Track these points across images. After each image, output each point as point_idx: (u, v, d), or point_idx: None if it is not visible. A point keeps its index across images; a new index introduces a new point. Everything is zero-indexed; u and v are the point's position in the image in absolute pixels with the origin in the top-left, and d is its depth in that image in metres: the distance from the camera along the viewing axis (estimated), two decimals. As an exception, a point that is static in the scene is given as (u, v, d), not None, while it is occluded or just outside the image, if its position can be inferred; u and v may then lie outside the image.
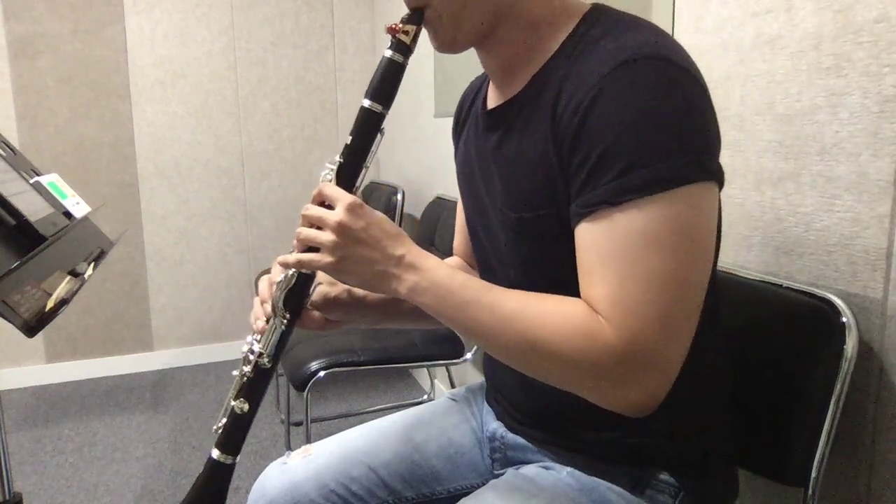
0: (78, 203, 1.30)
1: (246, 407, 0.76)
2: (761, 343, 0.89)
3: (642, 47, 0.61)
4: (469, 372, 2.30)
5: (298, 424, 2.25)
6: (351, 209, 0.69)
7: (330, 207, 0.70)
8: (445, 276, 0.68)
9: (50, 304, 0.91)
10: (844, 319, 0.78)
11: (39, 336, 2.75)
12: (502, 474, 0.85)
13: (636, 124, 0.59)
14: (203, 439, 2.31)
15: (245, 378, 0.77)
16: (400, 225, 2.38)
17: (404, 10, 0.73)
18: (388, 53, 0.72)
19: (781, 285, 0.88)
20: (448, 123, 0.96)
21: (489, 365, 0.92)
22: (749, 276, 0.94)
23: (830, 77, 0.85)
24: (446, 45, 0.74)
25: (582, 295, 0.63)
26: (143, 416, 2.50)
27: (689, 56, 0.64)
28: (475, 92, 0.89)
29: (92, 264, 1.15)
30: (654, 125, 0.59)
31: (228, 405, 0.77)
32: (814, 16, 0.87)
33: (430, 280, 0.67)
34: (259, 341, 0.77)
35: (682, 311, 0.61)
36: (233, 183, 3.00)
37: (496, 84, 0.79)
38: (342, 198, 0.69)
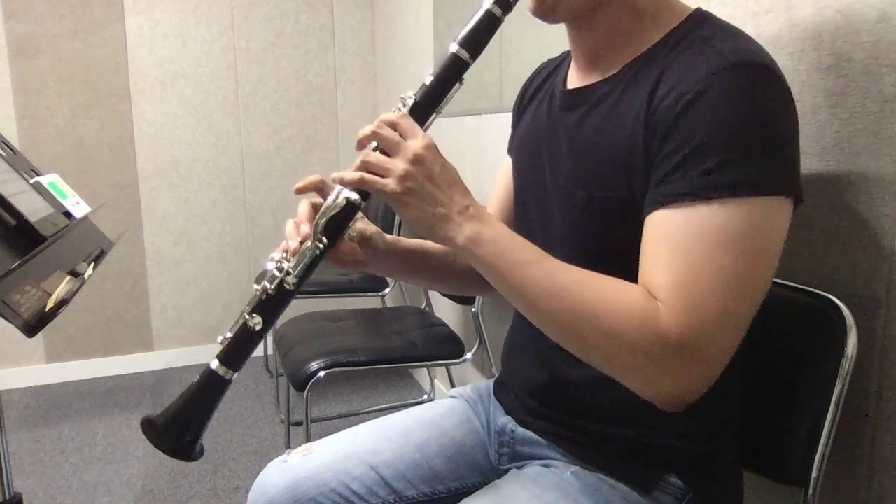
0: (78, 203, 1.30)
1: (259, 324, 0.72)
2: (761, 343, 0.89)
3: (755, 56, 0.62)
4: (469, 372, 2.30)
5: (298, 424, 2.25)
6: (430, 146, 0.67)
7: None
8: (507, 234, 0.67)
9: (50, 304, 0.91)
10: (844, 319, 0.78)
11: (39, 336, 2.75)
12: (507, 470, 0.85)
13: (739, 125, 0.60)
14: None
15: (265, 295, 0.72)
16: (400, 225, 2.38)
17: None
18: (488, 4, 0.70)
19: (781, 285, 0.88)
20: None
21: (509, 346, 0.91)
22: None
23: (830, 77, 0.85)
24: (546, 9, 0.72)
25: (641, 280, 0.63)
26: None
27: None
28: (548, 71, 0.89)
29: (92, 264, 1.15)
30: (757, 130, 0.60)
31: (241, 319, 0.72)
32: (814, 16, 0.87)
33: (492, 233, 0.66)
34: (289, 261, 0.72)
35: (741, 314, 0.61)
36: (233, 183, 3.00)
37: (582, 65, 0.78)
38: (422, 133, 0.68)
